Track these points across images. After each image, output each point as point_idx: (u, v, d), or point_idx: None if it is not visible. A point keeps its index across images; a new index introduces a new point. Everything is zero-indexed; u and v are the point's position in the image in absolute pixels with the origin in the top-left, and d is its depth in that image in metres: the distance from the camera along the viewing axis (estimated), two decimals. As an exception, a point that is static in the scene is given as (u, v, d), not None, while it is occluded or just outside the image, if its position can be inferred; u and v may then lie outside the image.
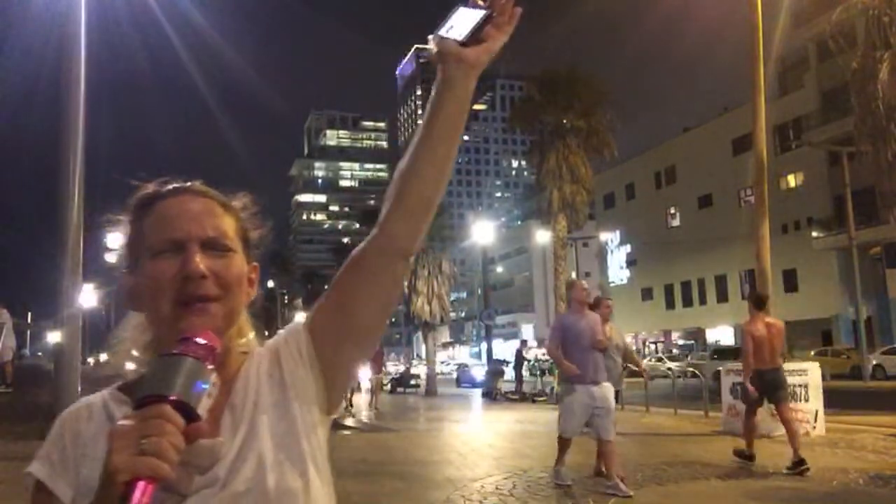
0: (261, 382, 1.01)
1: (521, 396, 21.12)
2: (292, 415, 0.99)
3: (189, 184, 1.06)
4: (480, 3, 0.98)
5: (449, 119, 0.98)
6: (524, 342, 27.43)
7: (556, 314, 7.86)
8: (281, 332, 1.09)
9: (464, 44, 0.96)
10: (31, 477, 0.98)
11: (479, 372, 33.19)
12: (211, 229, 0.99)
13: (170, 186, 1.05)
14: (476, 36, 0.96)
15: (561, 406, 7.32)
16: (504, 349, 51.35)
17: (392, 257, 1.00)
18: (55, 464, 0.97)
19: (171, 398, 0.76)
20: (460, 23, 0.97)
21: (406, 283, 28.79)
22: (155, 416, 0.75)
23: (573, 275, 41.72)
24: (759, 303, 9.33)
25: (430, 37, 1.00)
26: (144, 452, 0.73)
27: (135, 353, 1.06)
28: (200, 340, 0.84)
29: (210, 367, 0.82)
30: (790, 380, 10.80)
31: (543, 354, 23.57)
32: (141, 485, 0.72)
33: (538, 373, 26.10)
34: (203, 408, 0.79)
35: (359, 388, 21.25)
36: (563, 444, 7.10)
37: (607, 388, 7.03)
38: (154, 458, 0.73)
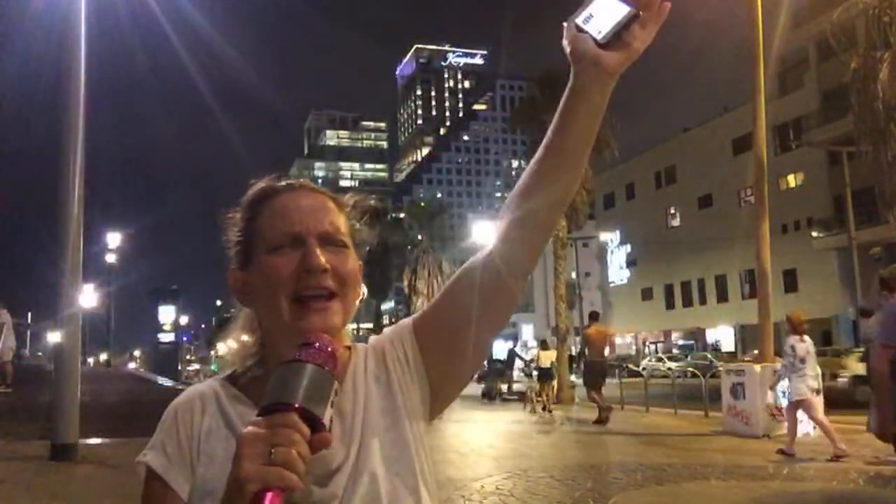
0: (368, 384, 1.00)
1: (518, 397, 21.11)
2: (402, 425, 0.97)
3: (302, 180, 1.07)
4: None
5: (581, 133, 0.90)
6: (515, 341, 27.43)
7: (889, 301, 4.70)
8: (385, 331, 1.07)
9: (604, 44, 0.83)
10: (143, 466, 0.96)
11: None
12: (328, 224, 0.99)
13: (283, 182, 1.05)
14: (618, 35, 0.83)
15: None
16: (504, 349, 51.29)
17: (511, 280, 0.96)
18: (171, 456, 0.95)
19: (298, 406, 0.75)
20: (602, 15, 0.84)
21: (406, 283, 28.92)
22: (284, 424, 0.73)
23: (573, 275, 41.77)
24: (593, 317, 14.20)
25: (565, 24, 0.88)
26: (274, 462, 0.72)
27: (246, 347, 1.05)
28: (321, 345, 0.81)
29: (332, 372, 0.80)
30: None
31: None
32: (270, 495, 0.71)
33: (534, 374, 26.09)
34: (326, 416, 0.77)
35: None
36: None
37: None
38: (284, 469, 0.72)
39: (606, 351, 14.94)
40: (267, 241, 0.97)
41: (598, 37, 0.83)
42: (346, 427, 0.95)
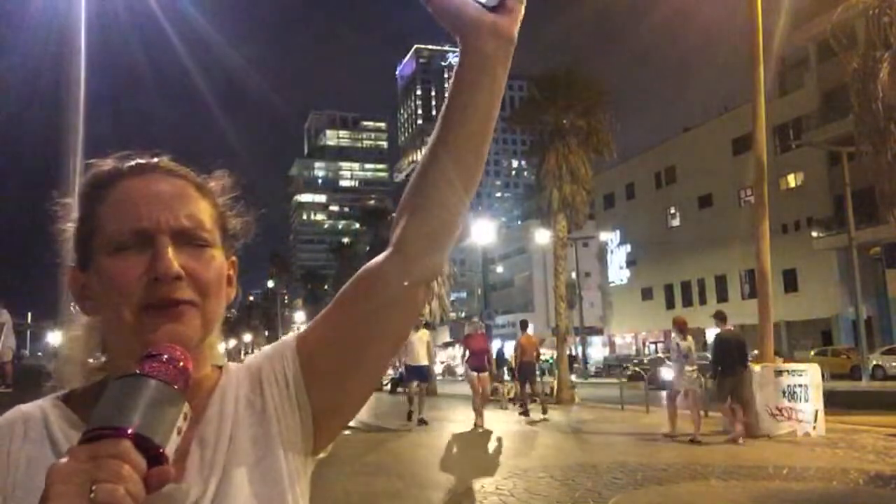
0: (238, 411, 0.84)
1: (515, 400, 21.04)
2: (275, 457, 0.82)
3: (156, 160, 0.86)
4: None
5: (482, 110, 0.78)
6: (501, 342, 27.24)
7: None
8: (265, 348, 0.91)
9: (493, 9, 0.76)
10: None
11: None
12: (185, 217, 0.81)
13: (132, 163, 0.85)
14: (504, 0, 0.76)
15: None
16: (507, 349, 51.26)
17: (414, 283, 0.82)
18: None
19: (131, 432, 0.59)
20: None
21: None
22: (110, 454, 0.58)
23: (573, 275, 41.77)
24: (523, 326, 15.89)
25: None
26: (94, 503, 0.56)
27: (85, 361, 0.88)
28: (170, 357, 0.67)
29: (181, 392, 0.65)
30: (791, 380, 10.84)
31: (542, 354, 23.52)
32: None
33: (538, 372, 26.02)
34: (171, 445, 0.62)
35: None
36: None
37: None
38: None
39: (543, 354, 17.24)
40: (108, 239, 0.80)
41: (488, 2, 0.75)
42: (206, 457, 0.79)
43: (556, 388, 19.72)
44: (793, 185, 39.88)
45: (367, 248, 37.02)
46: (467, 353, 13.79)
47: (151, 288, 0.77)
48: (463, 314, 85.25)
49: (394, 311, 0.84)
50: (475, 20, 0.75)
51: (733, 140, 41.40)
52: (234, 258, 0.90)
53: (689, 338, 10.68)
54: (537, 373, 15.78)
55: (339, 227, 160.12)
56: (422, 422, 13.15)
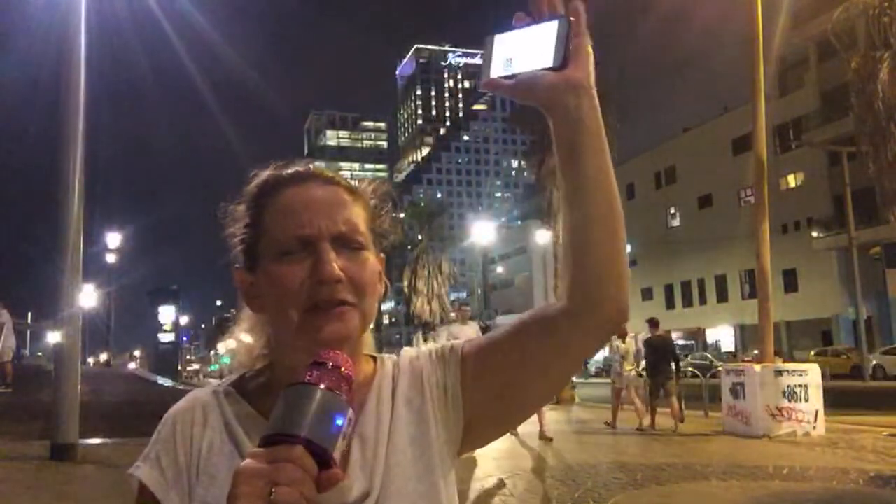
0: (397, 407, 0.89)
1: None
2: (431, 458, 0.87)
3: (311, 167, 0.93)
4: (544, 10, 0.76)
5: (596, 163, 0.83)
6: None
7: None
8: (423, 349, 0.96)
9: (559, 68, 0.76)
10: (135, 479, 0.87)
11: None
12: (343, 223, 0.87)
13: (291, 170, 0.92)
14: (567, 53, 0.76)
15: None
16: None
17: (597, 326, 0.86)
18: (166, 472, 0.86)
19: (304, 437, 0.65)
20: (526, 46, 0.77)
21: (406, 283, 28.89)
22: (287, 459, 0.64)
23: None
24: (484, 330, 16.79)
25: (480, 87, 0.82)
26: (274, 503, 0.63)
27: (255, 350, 0.96)
28: (335, 365, 0.71)
29: (346, 399, 0.70)
30: (791, 380, 10.85)
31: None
32: None
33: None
34: (338, 450, 0.67)
35: None
36: None
37: None
38: None
39: None
40: (274, 245, 0.86)
41: (553, 63, 0.77)
42: (367, 454, 0.85)
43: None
44: (793, 185, 39.90)
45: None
46: None
47: (315, 290, 0.83)
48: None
49: (562, 358, 0.88)
50: (550, 85, 0.80)
51: (733, 140, 41.41)
52: (382, 255, 0.95)
53: (629, 340, 12.73)
54: None
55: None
56: None
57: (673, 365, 12.04)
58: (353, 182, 0.94)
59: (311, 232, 0.85)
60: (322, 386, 0.68)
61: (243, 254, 0.92)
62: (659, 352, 12.13)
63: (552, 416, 14.49)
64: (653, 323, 12.76)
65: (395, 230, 1.00)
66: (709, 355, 37.85)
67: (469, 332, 10.93)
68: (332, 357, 0.72)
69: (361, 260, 0.87)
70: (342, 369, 0.71)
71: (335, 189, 0.90)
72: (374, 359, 0.96)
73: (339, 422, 0.67)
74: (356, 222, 0.88)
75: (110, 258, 41.54)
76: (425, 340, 30.24)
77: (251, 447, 0.70)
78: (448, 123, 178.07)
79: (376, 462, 0.84)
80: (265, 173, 0.93)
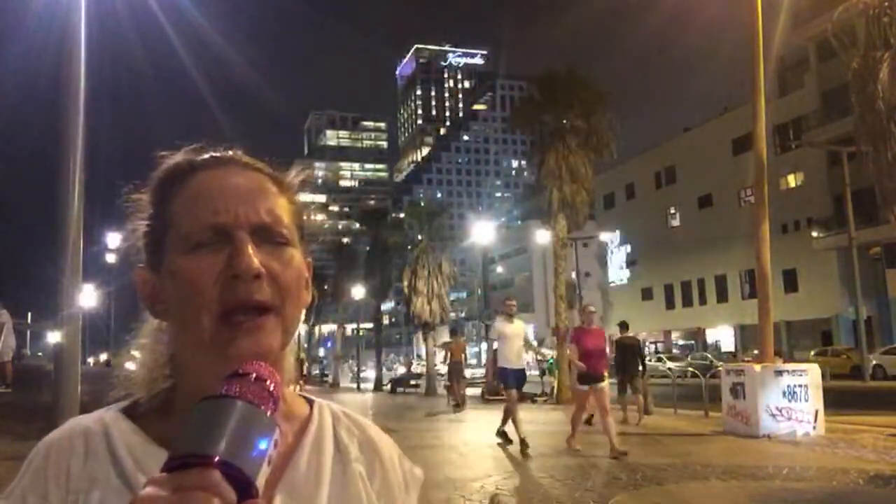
0: (348, 472, 0.77)
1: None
2: None
3: (231, 152, 0.80)
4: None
5: None
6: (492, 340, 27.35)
7: None
8: (392, 445, 0.88)
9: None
10: None
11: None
12: (265, 212, 0.74)
13: (206, 155, 0.79)
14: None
15: None
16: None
17: None
18: None
19: (219, 460, 0.53)
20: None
21: (406, 283, 28.80)
22: (198, 486, 0.51)
23: (573, 275, 41.77)
24: (453, 332, 17.56)
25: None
26: None
27: (152, 368, 0.80)
28: (258, 377, 0.60)
29: (272, 416, 0.58)
30: (791, 380, 10.85)
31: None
32: None
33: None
34: (261, 477, 0.55)
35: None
36: None
37: None
38: None
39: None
40: (182, 236, 0.73)
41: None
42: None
43: (556, 388, 19.75)
44: (793, 185, 39.90)
45: (367, 249, 36.96)
46: (576, 352, 9.59)
47: (229, 287, 0.70)
48: (463, 314, 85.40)
49: None
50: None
51: (733, 140, 41.42)
52: (309, 260, 0.81)
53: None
54: (543, 372, 18.07)
55: (339, 227, 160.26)
56: (523, 443, 9.55)
57: (640, 363, 13.29)
58: (279, 171, 0.81)
59: (227, 220, 0.72)
60: (243, 399, 0.57)
61: (146, 250, 0.78)
62: (627, 351, 13.40)
63: (552, 417, 14.50)
64: (623, 325, 14.19)
65: (323, 232, 0.87)
66: (709, 355, 37.84)
67: (516, 330, 10.28)
68: (255, 368, 0.61)
69: (286, 257, 0.74)
70: (267, 382, 0.60)
71: (257, 176, 0.78)
72: (310, 402, 0.83)
73: (264, 445, 0.55)
74: (280, 214, 0.76)
75: (110, 258, 41.56)
76: (425, 341, 30.21)
77: (144, 479, 0.56)
78: (448, 123, 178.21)
79: None
80: (175, 157, 0.79)
